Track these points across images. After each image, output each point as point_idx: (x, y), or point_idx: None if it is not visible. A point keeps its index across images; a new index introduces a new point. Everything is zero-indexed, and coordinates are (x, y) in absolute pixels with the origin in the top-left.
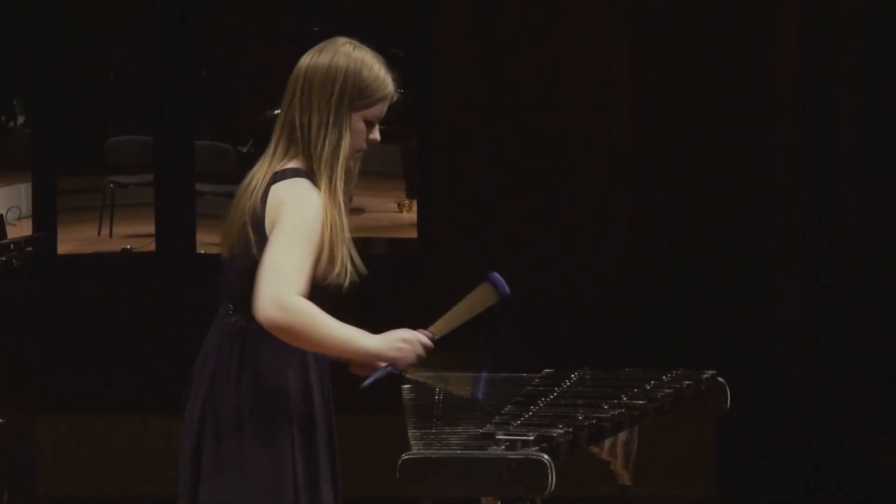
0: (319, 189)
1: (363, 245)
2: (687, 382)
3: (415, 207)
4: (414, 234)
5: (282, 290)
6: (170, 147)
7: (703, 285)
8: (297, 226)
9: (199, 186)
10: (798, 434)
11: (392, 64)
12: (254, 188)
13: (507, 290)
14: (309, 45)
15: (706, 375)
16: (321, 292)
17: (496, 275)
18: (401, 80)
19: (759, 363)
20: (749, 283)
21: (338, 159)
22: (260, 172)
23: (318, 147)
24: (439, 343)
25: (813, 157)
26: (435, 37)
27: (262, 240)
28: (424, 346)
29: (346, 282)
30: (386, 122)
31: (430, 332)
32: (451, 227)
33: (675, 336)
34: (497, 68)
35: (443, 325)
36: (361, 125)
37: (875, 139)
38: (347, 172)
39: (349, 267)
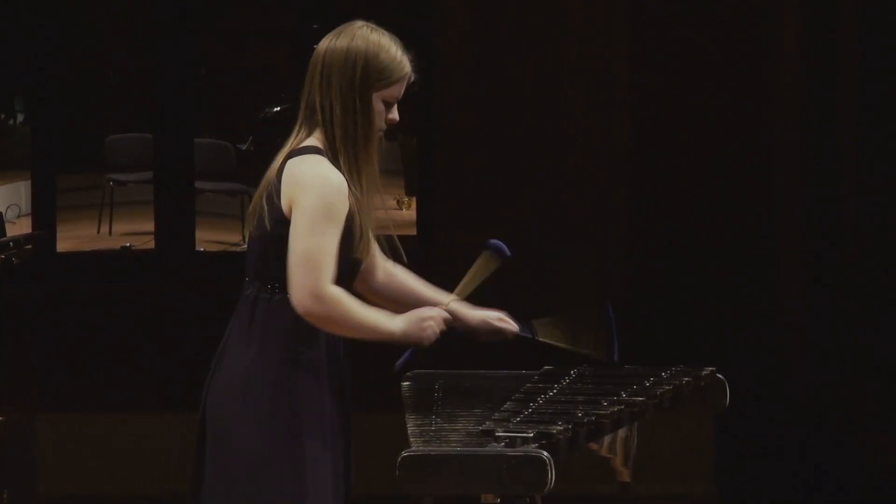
0: (340, 169)
1: None
2: (686, 379)
3: (414, 205)
4: (413, 232)
5: (318, 282)
6: (169, 145)
7: (703, 284)
8: (320, 207)
9: (199, 184)
10: (797, 433)
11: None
12: (273, 167)
13: (509, 252)
14: (308, 45)
15: (706, 372)
16: (345, 269)
17: (495, 242)
18: (418, 61)
19: (759, 362)
20: (749, 282)
21: (360, 140)
22: (283, 151)
23: (340, 129)
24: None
25: (813, 157)
26: (435, 35)
27: (275, 211)
28: (445, 321)
29: (365, 257)
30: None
31: (450, 303)
32: (451, 225)
33: (674, 335)
34: (497, 67)
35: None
36: (381, 106)
37: (875, 139)
38: (370, 153)
39: (370, 245)
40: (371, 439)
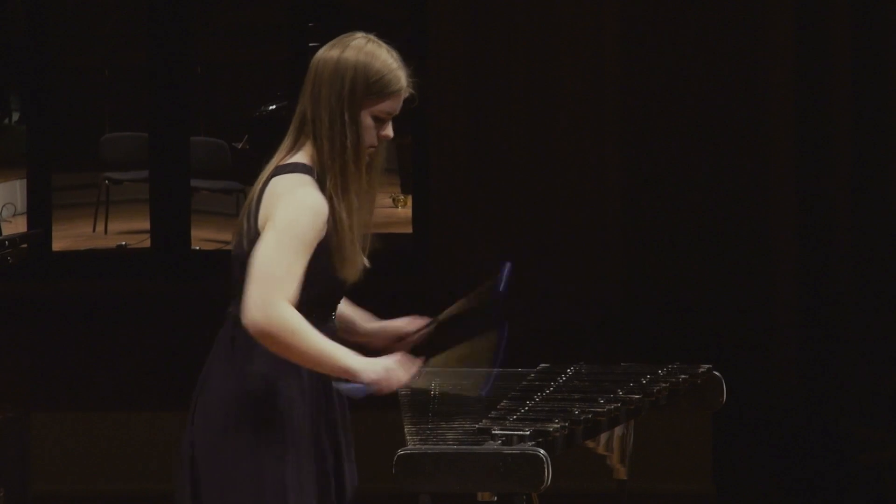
0: (327, 186)
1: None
2: (683, 377)
3: (410, 203)
4: (409, 230)
5: (269, 297)
6: (165, 143)
7: (699, 283)
8: (290, 226)
9: (194, 182)
10: (793, 430)
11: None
12: (260, 179)
13: (504, 290)
14: (304, 43)
15: (702, 370)
16: (329, 290)
17: (507, 267)
18: (415, 77)
19: (755, 359)
20: (745, 280)
21: (349, 155)
22: (269, 165)
23: (328, 143)
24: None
25: (807, 152)
26: (430, 33)
27: (252, 231)
28: (409, 374)
29: (354, 278)
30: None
31: (430, 363)
32: (446, 222)
33: (669, 333)
34: (492, 66)
35: (442, 359)
36: (370, 121)
37: (869, 136)
38: (360, 169)
39: (359, 266)
40: (368, 437)
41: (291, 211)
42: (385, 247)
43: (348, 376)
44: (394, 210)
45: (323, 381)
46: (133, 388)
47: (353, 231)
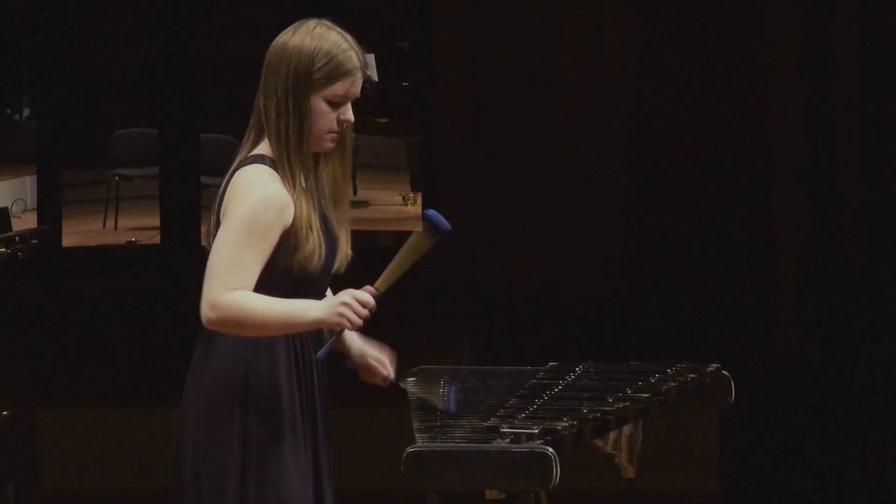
0: (281, 175)
1: (367, 238)
2: (691, 376)
3: (419, 201)
4: (418, 228)
5: (211, 291)
6: (175, 140)
7: (702, 281)
8: (244, 219)
9: (204, 179)
10: (801, 429)
11: (397, 56)
12: (227, 178)
13: (448, 225)
14: None
15: (711, 369)
16: (302, 280)
17: (433, 212)
18: (367, 58)
19: (761, 358)
20: (748, 279)
21: (300, 143)
22: (235, 159)
23: (277, 132)
24: (383, 299)
25: (811, 151)
26: (435, 31)
27: (216, 227)
28: (366, 304)
29: (322, 266)
30: (389, 115)
31: (375, 287)
32: (456, 220)
33: (674, 332)
34: (499, 64)
35: (386, 278)
36: (323, 106)
37: (873, 137)
38: (304, 157)
39: (321, 253)
40: (376, 435)
41: (244, 204)
42: (394, 244)
43: (314, 327)
44: (403, 207)
45: (308, 386)
46: (142, 385)
47: (310, 220)
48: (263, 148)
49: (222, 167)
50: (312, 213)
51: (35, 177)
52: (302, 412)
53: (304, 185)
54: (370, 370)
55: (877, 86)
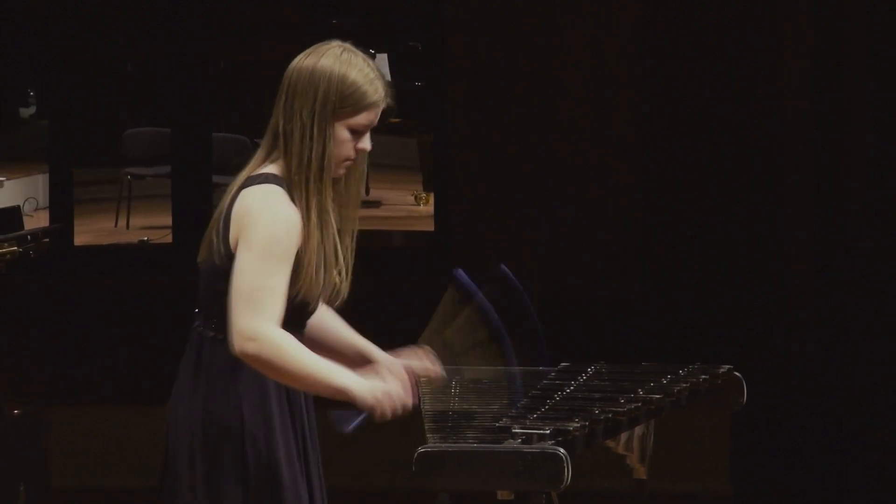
0: (295, 200)
1: (380, 238)
2: (703, 377)
3: (432, 200)
4: (431, 227)
5: (256, 321)
6: (187, 139)
7: (714, 283)
8: (267, 242)
9: (216, 178)
10: (812, 431)
11: (409, 56)
12: (230, 191)
13: (476, 288)
14: (326, 38)
15: (723, 370)
16: (298, 306)
17: (461, 273)
18: (391, 87)
19: (773, 359)
20: (760, 280)
21: (320, 171)
22: (241, 175)
23: (297, 158)
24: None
25: (823, 150)
26: (448, 30)
27: (223, 246)
28: (403, 408)
29: (317, 303)
30: (403, 116)
31: (422, 388)
32: (468, 220)
33: (687, 333)
34: (511, 64)
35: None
36: (346, 134)
37: (886, 136)
38: (322, 185)
39: (321, 284)
40: (387, 435)
41: (266, 226)
42: (406, 244)
43: (344, 397)
44: (415, 207)
45: (298, 415)
46: (153, 383)
47: (319, 249)
48: (274, 168)
49: (234, 166)
50: (319, 241)
51: (47, 175)
52: (294, 433)
53: (318, 212)
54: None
55: (888, 86)
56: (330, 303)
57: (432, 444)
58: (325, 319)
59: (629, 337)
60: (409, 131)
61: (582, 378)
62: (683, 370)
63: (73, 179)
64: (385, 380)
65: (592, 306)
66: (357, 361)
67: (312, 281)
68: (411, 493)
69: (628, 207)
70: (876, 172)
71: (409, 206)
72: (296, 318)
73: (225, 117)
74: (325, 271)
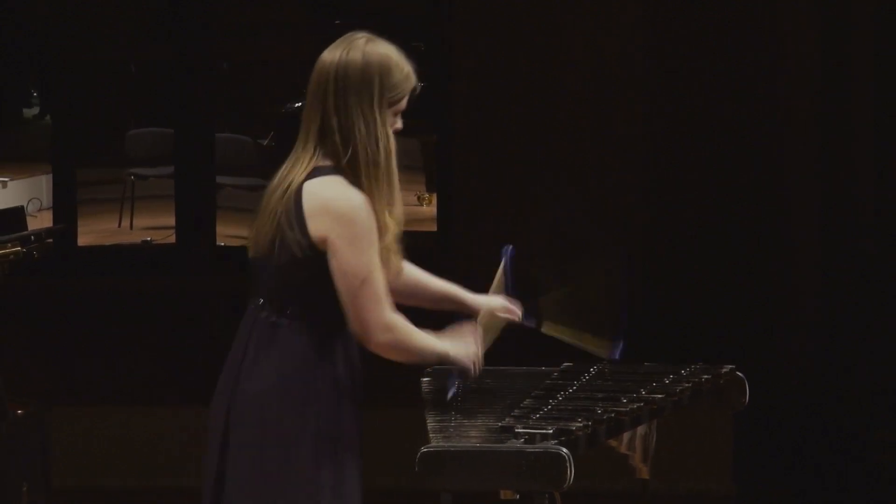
0: (364, 191)
1: None
2: (706, 377)
3: (434, 201)
4: (434, 228)
5: (384, 313)
6: (190, 140)
7: (719, 283)
8: (362, 233)
9: (220, 179)
10: (815, 431)
11: (411, 57)
12: (286, 188)
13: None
14: (329, 38)
15: (725, 370)
16: None
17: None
18: (419, 69)
19: (777, 360)
20: (766, 281)
21: (383, 156)
22: (292, 173)
23: (364, 150)
24: None
25: (829, 152)
26: (453, 30)
27: (303, 237)
28: (480, 365)
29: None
30: (405, 116)
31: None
32: (471, 220)
33: (689, 333)
34: (515, 65)
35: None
36: (390, 118)
37: (891, 134)
38: (391, 168)
39: (393, 260)
40: (390, 434)
41: (354, 218)
42: (409, 244)
43: (447, 361)
44: (418, 208)
45: (358, 395)
46: (156, 384)
47: (390, 227)
48: (327, 161)
49: (237, 167)
50: (393, 225)
51: (50, 176)
52: (358, 424)
53: (395, 199)
54: (506, 311)
55: (892, 85)
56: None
57: (435, 443)
58: (409, 272)
59: (634, 337)
60: (412, 131)
61: (584, 378)
62: (686, 370)
63: (76, 180)
64: (466, 341)
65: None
66: (444, 303)
67: (387, 258)
68: (414, 493)
69: (630, 207)
70: (880, 172)
71: (411, 206)
72: None
73: (227, 118)
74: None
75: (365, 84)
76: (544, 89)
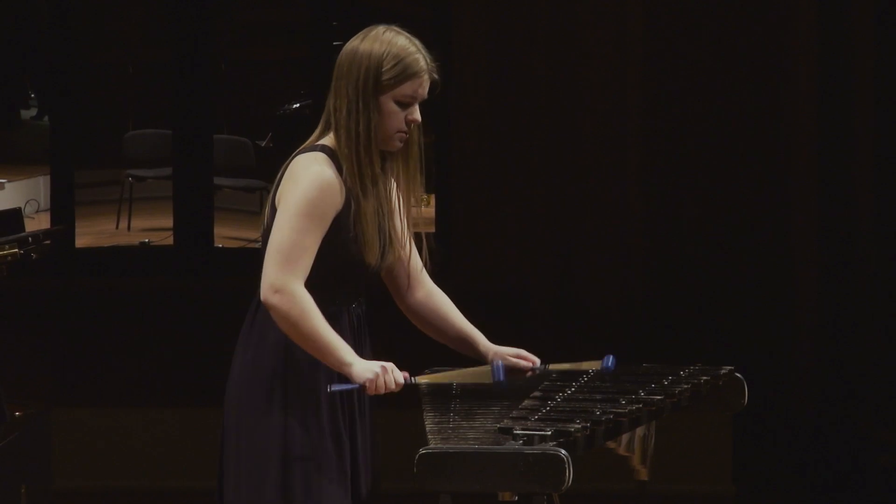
0: (345, 169)
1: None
2: (704, 378)
3: (433, 202)
4: (432, 229)
5: (285, 275)
6: (188, 141)
7: (719, 284)
8: (301, 203)
9: (217, 180)
10: (813, 431)
11: (432, 52)
12: (284, 166)
13: (501, 378)
14: (328, 41)
15: (724, 371)
16: (345, 267)
17: (498, 363)
18: (437, 61)
19: (776, 361)
20: (765, 282)
21: (368, 140)
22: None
23: (347, 130)
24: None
25: (828, 154)
26: (452, 30)
27: (271, 208)
28: (396, 384)
29: (380, 263)
30: None
31: (415, 378)
32: (469, 221)
33: (688, 334)
34: (514, 66)
35: (432, 378)
36: (393, 106)
37: (891, 138)
38: (371, 155)
39: (380, 250)
40: (388, 436)
41: (304, 187)
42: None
43: (342, 369)
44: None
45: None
46: (155, 385)
47: (374, 217)
48: (327, 140)
49: (235, 168)
50: (375, 207)
51: (48, 177)
52: (343, 408)
53: (369, 180)
54: (514, 366)
55: (893, 86)
56: (415, 271)
57: (433, 445)
58: (437, 299)
59: (633, 339)
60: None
61: (583, 379)
62: (685, 371)
63: (74, 181)
64: (379, 362)
65: (596, 308)
66: (459, 345)
67: (371, 243)
68: (413, 495)
69: (633, 209)
70: (881, 174)
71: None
72: (349, 279)
73: (226, 119)
74: (381, 235)
75: (353, 68)
76: (546, 90)
